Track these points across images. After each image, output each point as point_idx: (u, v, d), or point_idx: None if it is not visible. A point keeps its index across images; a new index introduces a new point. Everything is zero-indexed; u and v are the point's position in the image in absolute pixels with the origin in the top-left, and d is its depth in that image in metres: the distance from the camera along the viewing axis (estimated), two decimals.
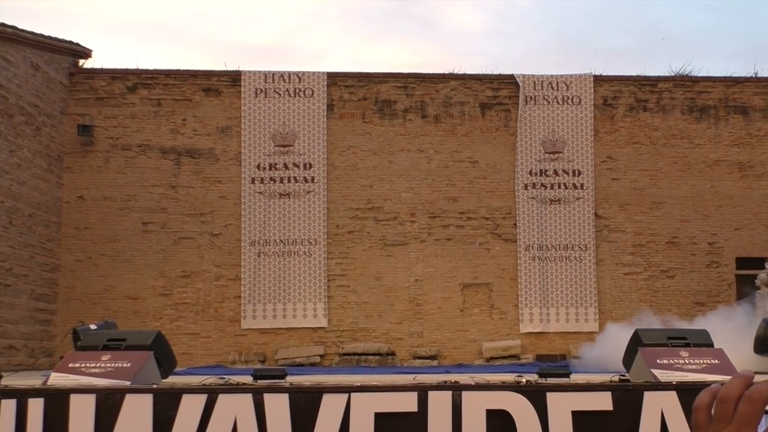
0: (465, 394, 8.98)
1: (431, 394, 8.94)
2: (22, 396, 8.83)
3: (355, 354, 20.77)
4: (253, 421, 8.77)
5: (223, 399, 8.89)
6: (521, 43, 47.06)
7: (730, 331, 14.22)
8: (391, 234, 21.62)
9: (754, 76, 23.02)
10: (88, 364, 9.96)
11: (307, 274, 21.39)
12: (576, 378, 10.19)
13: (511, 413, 8.88)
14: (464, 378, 10.29)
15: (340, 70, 22.37)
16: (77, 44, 21.77)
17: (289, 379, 10.15)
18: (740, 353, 12.22)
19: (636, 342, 11.30)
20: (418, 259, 21.61)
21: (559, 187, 21.91)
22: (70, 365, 10.00)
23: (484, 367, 18.28)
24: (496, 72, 22.55)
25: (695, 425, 1.44)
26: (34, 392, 8.96)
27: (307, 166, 21.66)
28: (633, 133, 22.38)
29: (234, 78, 21.98)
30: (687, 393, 9.06)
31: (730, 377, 1.43)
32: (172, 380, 10.96)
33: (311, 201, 21.57)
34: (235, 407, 8.85)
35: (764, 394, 1.36)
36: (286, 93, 21.78)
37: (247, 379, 9.89)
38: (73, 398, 8.87)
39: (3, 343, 18.58)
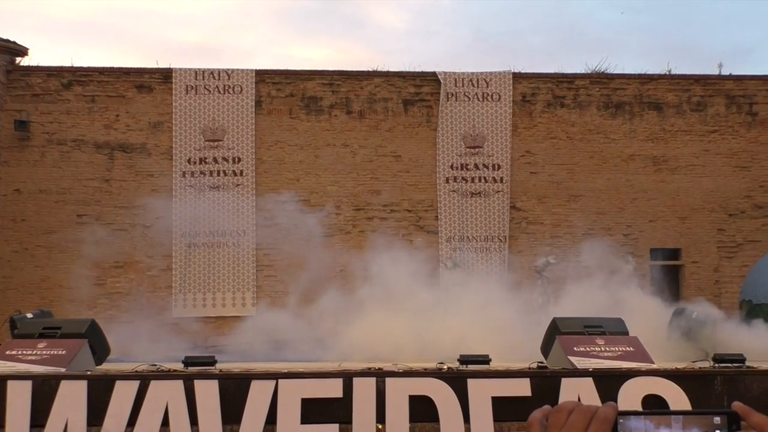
0: (389, 381, 9.47)
1: (356, 381, 9.43)
2: None
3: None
4: (184, 406, 9.22)
5: (155, 385, 9.34)
6: (443, 41, 47.93)
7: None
8: (317, 226, 22.28)
9: (667, 73, 23.74)
10: (24, 352, 10.42)
11: (236, 265, 22.02)
12: (496, 365, 10.64)
13: (433, 399, 9.39)
14: (388, 365, 10.76)
15: (269, 68, 23.00)
16: (14, 42, 22.28)
17: (219, 365, 10.57)
18: None
19: (553, 330, 11.76)
20: (344, 250, 22.28)
21: (479, 181, 22.60)
22: (7, 353, 10.46)
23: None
24: (418, 69, 23.20)
25: None
26: None
27: (236, 160, 22.30)
28: (551, 128, 23.05)
29: (165, 75, 22.53)
30: (603, 379, 9.64)
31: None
32: (106, 367, 11.39)
33: (240, 194, 22.20)
34: (167, 393, 9.30)
35: (592, 408, 1.59)
36: (216, 90, 22.40)
37: (178, 366, 10.36)
38: (10, 384, 9.30)
39: None
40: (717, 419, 1.57)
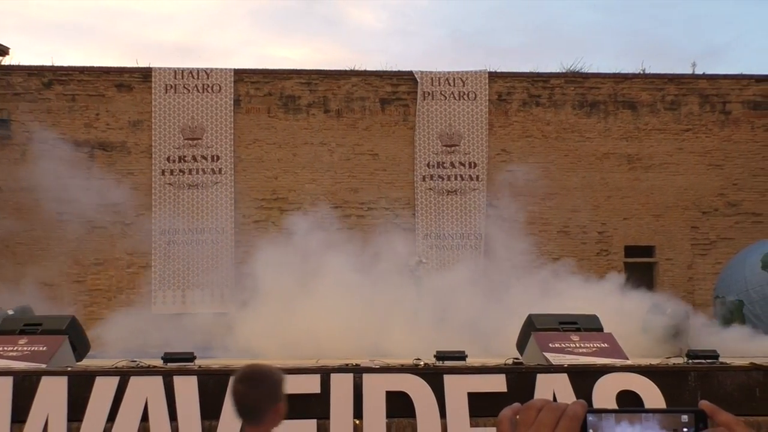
0: (366, 377, 9.56)
1: (333, 377, 9.53)
2: None
3: None
4: (163, 402, 9.30)
5: (134, 381, 9.41)
6: (420, 41, 48.30)
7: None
8: (295, 224, 22.44)
9: (641, 72, 24.00)
10: (5, 348, 10.57)
11: (215, 262, 22.23)
12: (472, 361, 10.79)
13: (409, 395, 9.48)
14: (365, 361, 10.87)
15: (247, 67, 23.23)
16: None
17: (198, 362, 10.73)
18: None
19: (529, 326, 11.84)
20: (321, 247, 22.44)
21: (456, 179, 22.84)
22: None
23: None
24: (395, 69, 23.45)
25: None
26: None
27: (215, 158, 22.52)
28: (526, 127, 23.30)
29: (145, 74, 22.75)
30: (578, 375, 9.76)
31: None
32: (86, 363, 11.51)
33: (218, 192, 22.43)
34: (146, 389, 9.38)
35: (561, 405, 1.58)
36: (195, 89, 22.61)
37: (158, 362, 10.48)
38: None
39: None
40: (685, 417, 1.58)
